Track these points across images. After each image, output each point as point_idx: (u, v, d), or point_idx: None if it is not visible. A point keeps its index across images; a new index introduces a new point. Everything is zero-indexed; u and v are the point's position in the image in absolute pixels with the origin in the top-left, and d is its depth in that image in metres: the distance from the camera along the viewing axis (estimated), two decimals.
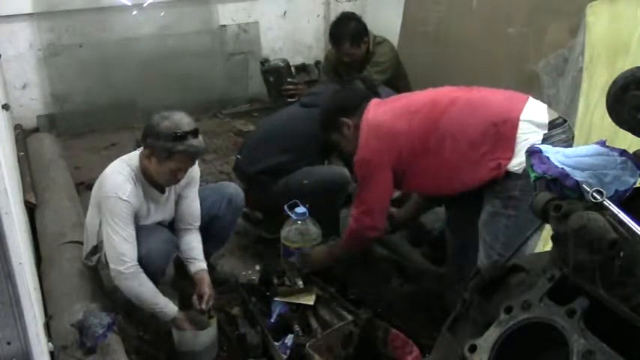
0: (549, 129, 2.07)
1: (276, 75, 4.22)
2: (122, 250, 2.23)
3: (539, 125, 2.08)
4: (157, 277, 2.42)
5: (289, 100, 3.85)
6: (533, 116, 2.11)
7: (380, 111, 2.35)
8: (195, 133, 2.24)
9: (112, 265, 2.26)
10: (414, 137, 2.23)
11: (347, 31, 3.61)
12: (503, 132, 2.10)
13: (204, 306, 2.36)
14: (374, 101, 2.42)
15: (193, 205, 2.54)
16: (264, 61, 4.40)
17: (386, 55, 3.65)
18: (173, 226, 2.55)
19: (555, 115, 2.14)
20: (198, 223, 2.56)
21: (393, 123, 2.28)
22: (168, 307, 2.31)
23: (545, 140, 2.02)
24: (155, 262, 2.35)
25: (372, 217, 2.40)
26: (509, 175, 2.09)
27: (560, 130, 2.08)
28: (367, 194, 2.38)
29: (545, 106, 2.19)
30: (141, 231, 2.33)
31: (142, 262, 2.29)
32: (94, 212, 2.38)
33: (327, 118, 2.52)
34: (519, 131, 2.08)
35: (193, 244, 2.53)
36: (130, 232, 2.26)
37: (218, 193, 2.69)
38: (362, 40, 3.62)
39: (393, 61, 3.69)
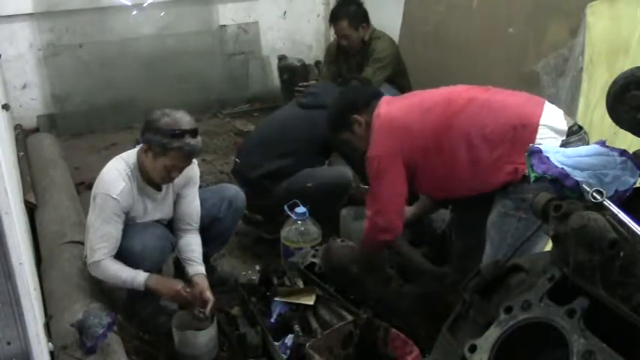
0: (567, 135, 2.06)
1: (290, 73, 4.26)
2: (96, 247, 2.28)
3: (557, 131, 2.06)
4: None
5: None
6: (553, 122, 2.08)
7: (392, 107, 2.30)
8: (193, 132, 2.24)
9: (86, 255, 2.33)
10: (427, 134, 2.19)
11: (347, 10, 3.63)
12: (522, 136, 2.06)
13: (208, 313, 2.33)
14: (385, 98, 2.38)
15: (192, 205, 2.53)
16: (281, 57, 4.43)
17: (386, 51, 3.64)
18: (172, 226, 2.55)
19: (572, 122, 2.13)
20: (197, 224, 2.55)
21: (406, 118, 2.24)
22: (137, 278, 2.30)
23: (562, 147, 2.00)
24: (150, 257, 2.35)
25: (385, 217, 2.32)
26: (524, 178, 2.04)
27: (577, 137, 2.06)
28: (380, 193, 2.31)
29: (561, 111, 2.17)
30: (136, 227, 2.34)
31: (138, 258, 2.30)
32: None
33: (338, 116, 2.46)
34: (538, 136, 2.05)
35: (192, 245, 2.52)
36: (109, 231, 2.27)
37: (219, 195, 2.68)
38: (360, 24, 3.62)
39: (393, 56, 3.69)
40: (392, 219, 2.33)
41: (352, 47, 3.69)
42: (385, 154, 2.25)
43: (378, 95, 2.42)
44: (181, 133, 2.20)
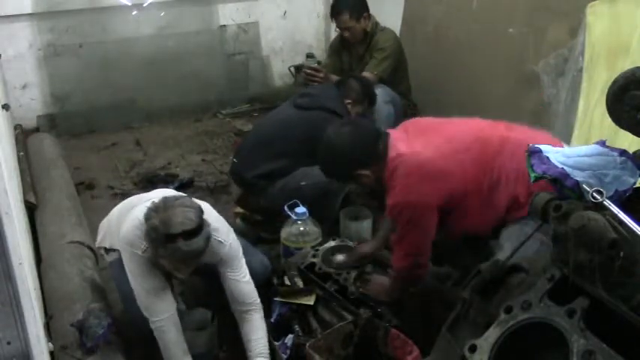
0: None
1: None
2: (147, 304, 2.09)
3: None
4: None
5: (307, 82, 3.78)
6: None
7: (416, 147, 2.19)
8: (187, 234, 1.87)
9: (143, 312, 2.12)
10: (467, 178, 2.13)
11: (346, 2, 3.61)
12: None
13: None
14: (395, 135, 2.27)
15: (237, 286, 2.22)
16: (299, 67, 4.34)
17: (389, 42, 3.65)
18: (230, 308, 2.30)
19: None
20: (252, 300, 2.25)
21: (442, 163, 2.14)
22: None
23: None
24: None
25: (417, 259, 2.28)
26: None
27: None
28: (413, 240, 2.23)
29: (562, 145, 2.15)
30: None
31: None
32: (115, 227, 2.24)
33: (341, 171, 2.35)
34: None
35: (259, 332, 2.24)
36: (153, 285, 2.07)
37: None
38: (361, 15, 3.60)
39: (396, 47, 3.69)
40: (423, 260, 2.30)
41: (355, 38, 3.69)
42: (420, 202, 2.15)
43: (382, 136, 2.27)
44: (172, 238, 1.86)
